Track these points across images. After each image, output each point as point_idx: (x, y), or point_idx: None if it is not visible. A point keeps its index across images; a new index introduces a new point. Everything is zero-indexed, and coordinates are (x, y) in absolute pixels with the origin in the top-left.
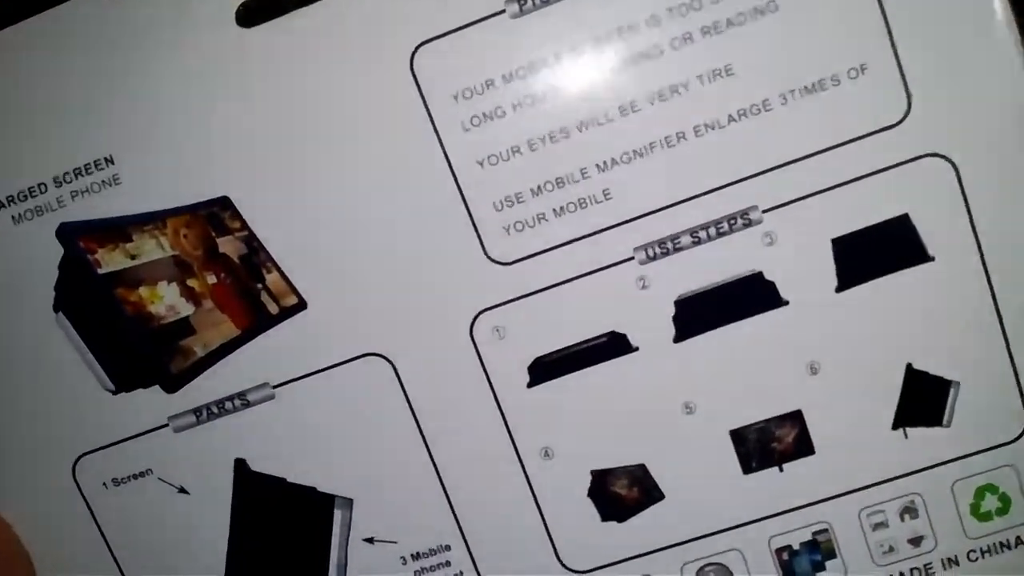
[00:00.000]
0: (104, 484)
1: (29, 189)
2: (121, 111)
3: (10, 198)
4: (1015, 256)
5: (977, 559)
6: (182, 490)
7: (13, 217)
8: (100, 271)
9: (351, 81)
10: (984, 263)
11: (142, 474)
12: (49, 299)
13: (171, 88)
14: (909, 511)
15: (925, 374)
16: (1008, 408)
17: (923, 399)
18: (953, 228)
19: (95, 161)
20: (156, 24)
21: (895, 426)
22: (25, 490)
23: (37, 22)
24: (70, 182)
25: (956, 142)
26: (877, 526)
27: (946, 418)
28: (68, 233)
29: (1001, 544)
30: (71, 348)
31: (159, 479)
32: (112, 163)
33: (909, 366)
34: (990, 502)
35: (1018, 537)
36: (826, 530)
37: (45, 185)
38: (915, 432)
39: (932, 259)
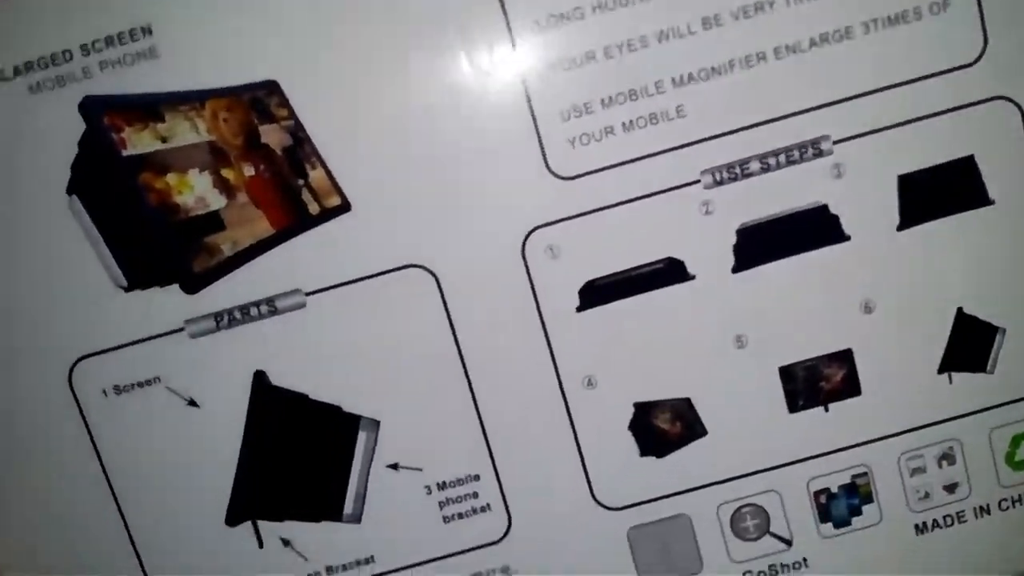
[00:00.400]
0: (104, 392)
1: (51, 56)
2: None
3: (28, 64)
4: None
5: (1008, 508)
6: (192, 403)
7: (30, 86)
8: (125, 152)
9: None
10: None
11: (148, 383)
12: (63, 180)
13: None
14: (947, 457)
15: (975, 319)
16: None
17: (970, 344)
18: (1016, 174)
19: (131, 30)
20: None
21: (941, 370)
22: (12, 397)
23: None
24: (100, 51)
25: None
26: (915, 471)
27: (990, 364)
28: (93, 107)
29: None
30: (81, 236)
31: (167, 388)
32: (150, 33)
33: (960, 310)
34: None
35: None
36: (865, 474)
37: (70, 52)
38: (959, 377)
39: (992, 203)
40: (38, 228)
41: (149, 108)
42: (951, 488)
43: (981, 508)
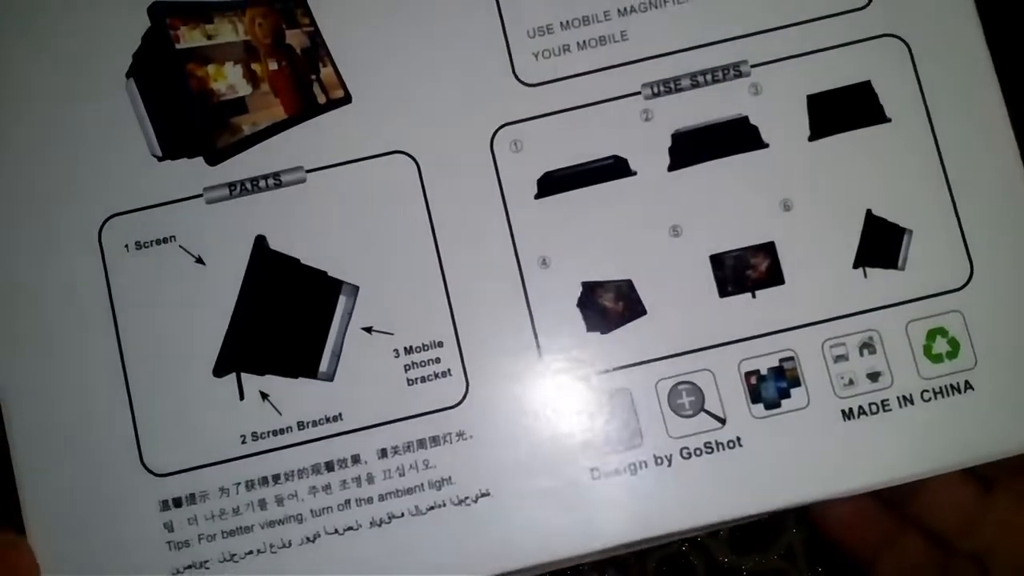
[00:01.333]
0: (126, 246)
1: None
2: None
3: None
4: (960, 126)
5: (930, 399)
6: (199, 260)
7: None
8: (178, 46)
9: None
10: (933, 130)
11: (165, 240)
12: (125, 65)
13: None
14: (867, 347)
15: (883, 220)
16: (955, 258)
17: (881, 242)
18: (907, 99)
19: None
20: None
21: (856, 264)
22: (48, 242)
23: None
24: None
25: (910, 27)
26: (838, 358)
27: (900, 261)
28: (159, 11)
29: (951, 387)
30: (131, 113)
31: (180, 247)
32: None
33: (869, 212)
34: (940, 345)
35: (967, 381)
36: (792, 358)
37: None
38: (873, 272)
39: (889, 120)
40: (101, 105)
41: (203, 11)
42: (874, 377)
43: (904, 398)
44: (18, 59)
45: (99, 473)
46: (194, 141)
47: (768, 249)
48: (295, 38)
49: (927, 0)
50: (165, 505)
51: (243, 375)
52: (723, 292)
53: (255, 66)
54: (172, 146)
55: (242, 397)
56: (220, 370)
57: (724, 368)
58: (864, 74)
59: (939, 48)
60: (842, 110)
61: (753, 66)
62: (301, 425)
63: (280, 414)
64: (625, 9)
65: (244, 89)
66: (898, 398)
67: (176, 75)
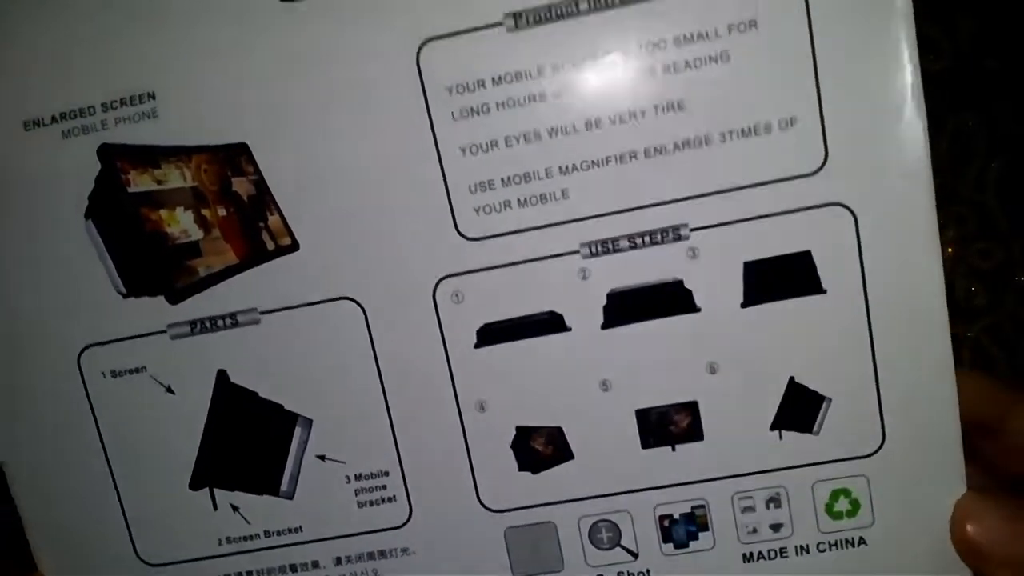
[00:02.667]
0: (103, 374)
1: (80, 109)
2: (167, 55)
3: (63, 114)
4: (894, 302)
5: (825, 551)
6: (169, 389)
7: (63, 132)
8: (130, 189)
9: (365, 61)
10: (867, 303)
11: (136, 370)
12: (83, 207)
13: (211, 42)
14: (774, 501)
15: (804, 388)
16: (869, 428)
17: (799, 408)
18: (846, 270)
19: (139, 94)
20: None
21: (773, 427)
22: (35, 370)
23: None
24: (115, 108)
25: (859, 197)
26: (746, 509)
27: (816, 427)
28: (108, 152)
29: (847, 541)
30: (94, 252)
31: (151, 377)
32: (153, 98)
33: (792, 379)
34: (842, 504)
35: (861, 537)
36: (703, 506)
37: (94, 108)
38: (789, 435)
39: (824, 292)
40: (61, 243)
41: (150, 156)
42: (776, 527)
43: (801, 547)
44: None
45: (104, 565)
46: (154, 281)
47: (691, 408)
48: (241, 186)
49: (881, 168)
50: None
51: (215, 490)
52: (645, 444)
53: (205, 211)
54: (134, 284)
55: (215, 507)
56: (195, 485)
57: (640, 510)
58: (805, 243)
59: (886, 219)
60: (778, 279)
61: (693, 230)
62: (267, 533)
63: (249, 523)
64: (566, 167)
65: (196, 234)
66: (796, 547)
67: (131, 218)
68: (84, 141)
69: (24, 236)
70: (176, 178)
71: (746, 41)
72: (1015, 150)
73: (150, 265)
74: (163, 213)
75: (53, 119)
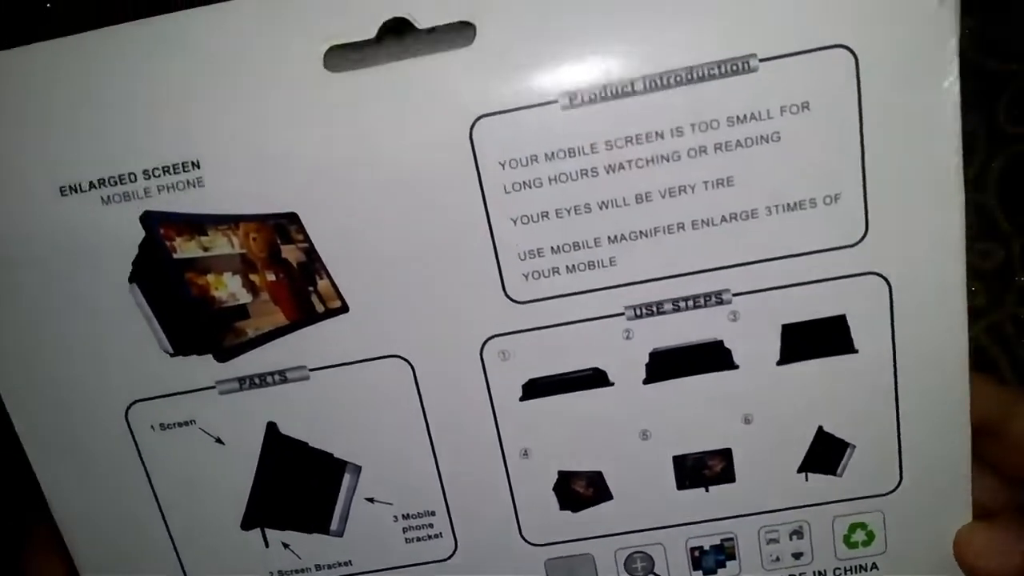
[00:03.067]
0: (152, 427)
1: (119, 176)
2: (213, 123)
3: (101, 181)
4: (920, 361)
5: (840, 574)
6: (219, 440)
7: (102, 198)
8: (175, 256)
9: (418, 133)
10: (895, 362)
11: (186, 423)
12: (126, 270)
13: (260, 113)
14: (797, 533)
15: (831, 436)
16: (888, 470)
17: (825, 454)
18: (877, 332)
19: (183, 163)
20: (249, 55)
21: (800, 470)
22: (83, 427)
23: (148, 27)
24: (158, 176)
25: (895, 267)
26: (770, 541)
27: (840, 470)
28: (151, 220)
29: (860, 567)
30: (138, 313)
31: (200, 429)
32: (199, 167)
33: (820, 428)
34: (859, 535)
35: (874, 563)
36: (732, 539)
37: (135, 175)
38: (814, 476)
39: (856, 352)
40: (104, 305)
41: (195, 225)
42: (797, 555)
43: (819, 572)
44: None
45: None
46: (201, 341)
47: (725, 454)
48: (291, 253)
49: (918, 240)
50: None
51: (267, 529)
52: (680, 486)
53: (253, 277)
54: (182, 344)
55: (267, 545)
56: (247, 525)
57: (673, 543)
58: (841, 308)
59: (919, 286)
60: (813, 340)
61: (735, 294)
62: (318, 567)
63: (300, 558)
64: (615, 237)
65: (244, 297)
66: (814, 572)
67: (177, 283)
68: (126, 207)
69: (65, 298)
70: (223, 245)
71: (797, 121)
72: (1015, 150)
73: (197, 327)
74: (210, 278)
75: (91, 185)
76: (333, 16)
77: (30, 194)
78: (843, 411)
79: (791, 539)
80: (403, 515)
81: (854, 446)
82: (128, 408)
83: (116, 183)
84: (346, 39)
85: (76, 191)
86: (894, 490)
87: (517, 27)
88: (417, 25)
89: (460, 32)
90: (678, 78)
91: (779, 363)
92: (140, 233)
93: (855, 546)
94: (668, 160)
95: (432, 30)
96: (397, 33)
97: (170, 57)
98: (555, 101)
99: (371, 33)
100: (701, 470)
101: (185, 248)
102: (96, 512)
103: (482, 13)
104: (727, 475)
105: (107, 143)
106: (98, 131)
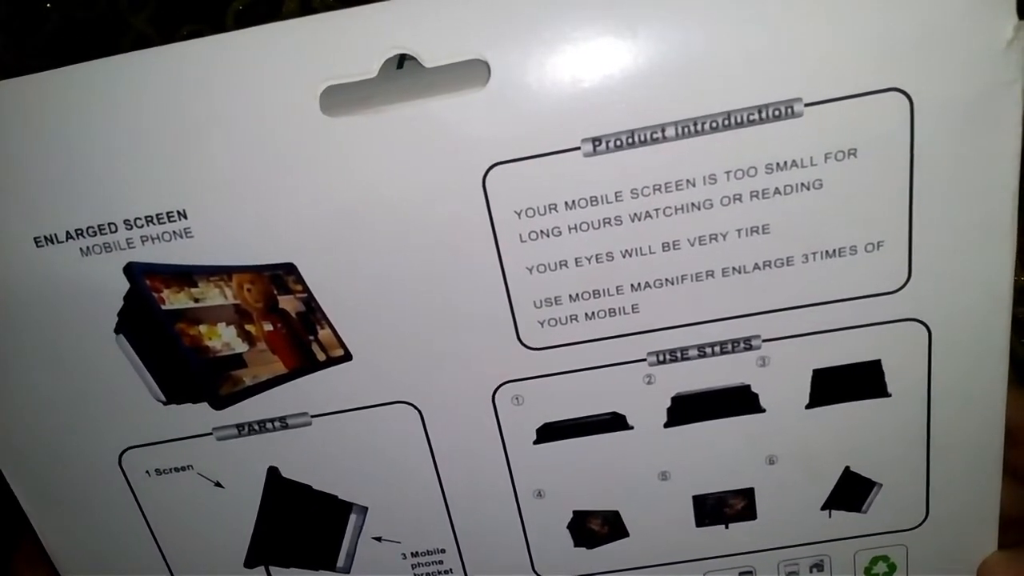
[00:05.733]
0: (147, 472)
1: (99, 226)
2: (200, 170)
3: (79, 231)
4: (956, 405)
5: None
6: (218, 484)
7: (81, 249)
8: (164, 307)
9: (425, 182)
10: (929, 406)
11: (183, 468)
12: (112, 321)
13: (251, 159)
14: (817, 566)
15: (858, 475)
16: (914, 507)
17: (851, 492)
18: (913, 378)
19: (168, 212)
20: (240, 99)
21: (824, 507)
22: (76, 474)
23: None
24: (141, 227)
25: (937, 313)
26: (790, 574)
27: (865, 507)
28: (135, 272)
29: None
30: (127, 363)
31: (198, 474)
32: (185, 217)
33: (847, 468)
34: (880, 567)
35: None
36: (750, 572)
37: (115, 225)
38: (838, 513)
39: (889, 395)
40: (89, 355)
41: (184, 276)
42: None
43: None
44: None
45: None
46: (195, 390)
47: (747, 493)
48: (289, 303)
49: (964, 287)
50: None
51: (271, 568)
52: (700, 523)
53: (249, 327)
54: (175, 392)
55: None
56: (250, 563)
57: (691, 575)
58: (876, 353)
59: (961, 333)
60: (845, 384)
61: (764, 340)
62: None
63: None
64: (640, 284)
65: (240, 347)
66: None
67: (167, 334)
68: (107, 259)
69: (48, 348)
70: (216, 296)
71: (842, 168)
72: None
73: (190, 377)
74: (202, 328)
75: (68, 236)
76: (330, 52)
77: (4, 244)
78: (871, 452)
79: (811, 572)
80: (412, 552)
81: (881, 484)
82: (121, 454)
83: (95, 233)
84: (345, 78)
85: (52, 242)
86: (919, 525)
87: (535, 66)
88: (423, 63)
89: (472, 70)
90: (714, 124)
91: (808, 407)
92: (124, 284)
93: None
94: (699, 208)
95: (440, 69)
96: (401, 70)
97: (152, 96)
98: (577, 148)
99: (372, 71)
100: (722, 508)
101: (174, 299)
102: (96, 557)
103: (495, 49)
104: (748, 513)
105: (85, 190)
106: (75, 177)
